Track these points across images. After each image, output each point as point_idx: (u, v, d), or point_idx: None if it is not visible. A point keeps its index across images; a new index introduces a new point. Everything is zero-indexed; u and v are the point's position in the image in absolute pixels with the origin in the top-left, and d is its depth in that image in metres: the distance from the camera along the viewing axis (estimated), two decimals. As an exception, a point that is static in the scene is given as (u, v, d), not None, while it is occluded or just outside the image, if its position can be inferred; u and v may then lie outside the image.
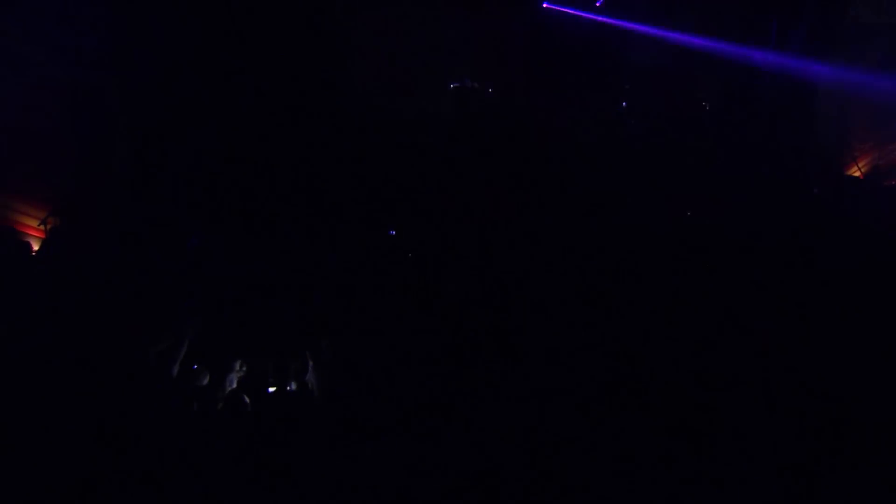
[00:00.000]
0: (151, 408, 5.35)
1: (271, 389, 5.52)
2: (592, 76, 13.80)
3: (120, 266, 6.74)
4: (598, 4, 13.31)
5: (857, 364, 5.86)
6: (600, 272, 8.64)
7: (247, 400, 5.46)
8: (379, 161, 11.15)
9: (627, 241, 9.91)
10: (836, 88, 12.56)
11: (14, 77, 8.51)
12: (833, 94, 12.73)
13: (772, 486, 4.59)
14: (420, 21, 12.56)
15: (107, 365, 5.57)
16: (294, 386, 5.57)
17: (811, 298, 7.22)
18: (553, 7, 13.35)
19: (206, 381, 5.66)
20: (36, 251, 7.99)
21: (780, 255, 8.77)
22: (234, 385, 5.57)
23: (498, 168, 12.09)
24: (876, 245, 9.21)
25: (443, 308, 6.64)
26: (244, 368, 5.70)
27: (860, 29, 11.90)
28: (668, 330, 6.59)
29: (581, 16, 13.46)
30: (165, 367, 5.61)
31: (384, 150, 11.47)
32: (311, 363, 5.48)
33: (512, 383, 5.34)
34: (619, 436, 4.96)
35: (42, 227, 8.55)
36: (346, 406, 5.37)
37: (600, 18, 13.43)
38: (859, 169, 12.87)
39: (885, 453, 4.76)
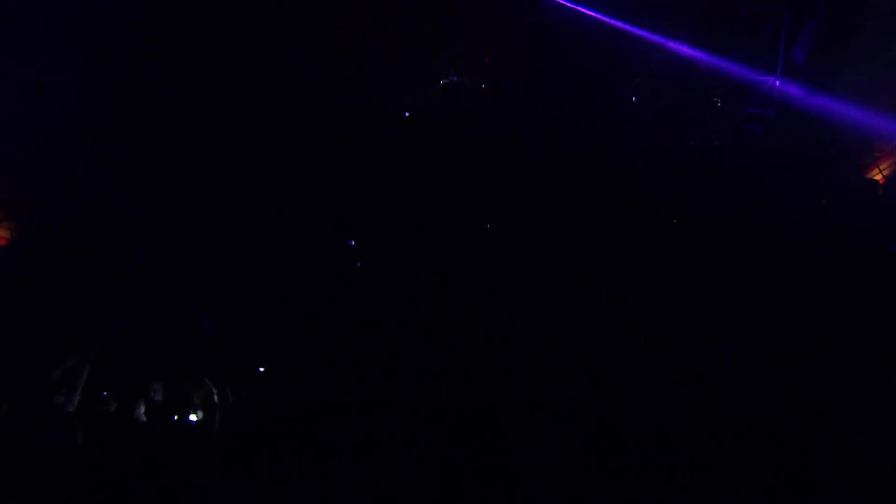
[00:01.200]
0: (50, 435, 5.01)
1: (175, 418, 5.10)
2: (598, 71, 13.14)
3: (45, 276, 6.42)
4: None
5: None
6: (599, 274, 8.24)
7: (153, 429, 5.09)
8: (361, 159, 10.71)
9: (631, 244, 9.40)
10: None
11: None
12: (855, 91, 11.87)
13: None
14: (410, 15, 12.04)
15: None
16: (200, 415, 5.15)
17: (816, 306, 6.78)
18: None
19: (113, 409, 5.27)
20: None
21: (788, 260, 8.26)
22: (142, 413, 5.16)
23: (487, 166, 11.58)
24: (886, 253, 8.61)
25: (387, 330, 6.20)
26: (155, 394, 5.29)
27: (884, 19, 10.95)
28: (669, 329, 6.38)
29: (584, 12, 12.82)
30: (67, 392, 5.26)
31: (369, 147, 11.02)
32: (215, 391, 5.04)
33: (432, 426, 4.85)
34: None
35: (-8, 230, 8.33)
36: (253, 438, 4.99)
37: (606, 19, 12.78)
38: (881, 171, 11.95)
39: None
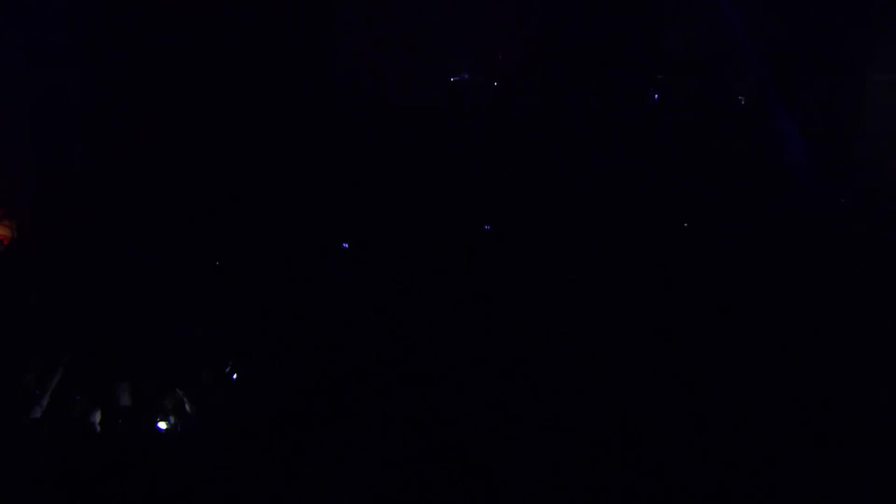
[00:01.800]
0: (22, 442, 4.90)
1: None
2: (620, 66, 12.76)
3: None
4: None
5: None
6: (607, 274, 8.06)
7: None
8: (369, 157, 10.54)
9: (644, 245, 9.19)
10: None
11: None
12: (886, 87, 11.38)
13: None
14: (419, 11, 11.80)
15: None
16: (171, 420, 4.98)
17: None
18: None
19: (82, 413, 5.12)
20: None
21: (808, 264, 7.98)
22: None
23: (497, 166, 11.35)
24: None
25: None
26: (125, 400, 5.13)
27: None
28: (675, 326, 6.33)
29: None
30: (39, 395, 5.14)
31: (377, 146, 10.84)
32: (185, 398, 4.87)
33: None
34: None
35: (-8, 229, 8.31)
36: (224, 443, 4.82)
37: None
38: (911, 174, 11.44)
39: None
